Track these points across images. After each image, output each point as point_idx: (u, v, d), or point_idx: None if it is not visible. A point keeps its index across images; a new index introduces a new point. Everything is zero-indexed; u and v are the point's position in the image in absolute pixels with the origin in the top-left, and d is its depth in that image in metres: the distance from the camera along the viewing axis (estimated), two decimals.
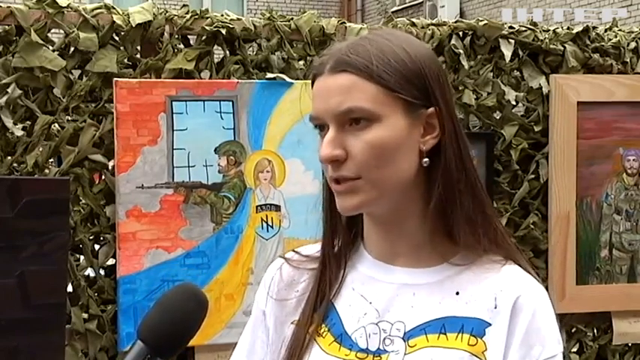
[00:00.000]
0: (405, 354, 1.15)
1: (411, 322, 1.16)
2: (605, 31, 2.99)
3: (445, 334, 1.14)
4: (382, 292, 1.19)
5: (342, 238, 1.24)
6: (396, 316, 1.17)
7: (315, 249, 1.28)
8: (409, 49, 1.15)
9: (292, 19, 2.65)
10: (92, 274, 2.52)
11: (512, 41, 2.82)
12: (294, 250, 1.32)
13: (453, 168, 1.15)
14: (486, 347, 1.13)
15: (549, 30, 2.91)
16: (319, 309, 1.22)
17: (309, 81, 1.22)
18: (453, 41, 2.77)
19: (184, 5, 2.77)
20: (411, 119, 1.14)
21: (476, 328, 1.14)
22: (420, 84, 1.14)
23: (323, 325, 1.21)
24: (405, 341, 1.15)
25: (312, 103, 1.17)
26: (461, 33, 2.80)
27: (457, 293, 1.16)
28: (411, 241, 1.19)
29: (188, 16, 2.53)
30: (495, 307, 1.14)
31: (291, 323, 1.24)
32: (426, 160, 1.15)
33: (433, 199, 1.15)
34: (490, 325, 1.13)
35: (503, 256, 1.18)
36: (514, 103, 2.83)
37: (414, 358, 1.14)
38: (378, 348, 1.16)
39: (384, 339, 1.17)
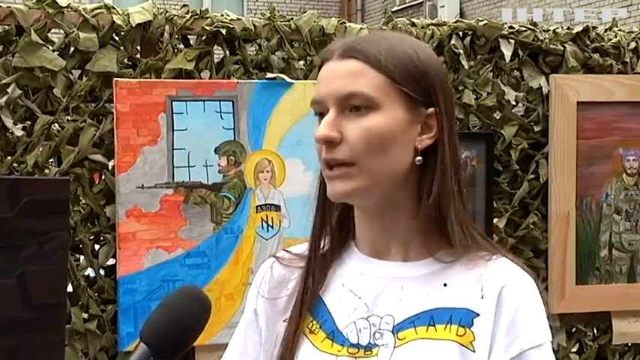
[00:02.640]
0: (394, 347, 1.15)
1: (400, 315, 1.17)
2: (605, 31, 2.99)
3: (434, 325, 1.15)
4: (371, 287, 1.20)
5: (331, 235, 1.26)
6: (385, 309, 1.18)
7: (305, 247, 1.29)
8: (418, 51, 1.18)
9: (292, 19, 2.65)
10: (92, 274, 2.52)
11: (512, 41, 2.83)
12: (285, 250, 1.33)
13: (448, 169, 1.17)
14: (474, 337, 1.13)
15: (549, 30, 2.91)
16: (308, 305, 1.22)
17: (310, 81, 1.23)
18: (453, 41, 2.77)
19: (184, 5, 2.77)
20: (411, 115, 1.16)
21: (464, 318, 1.15)
22: (424, 84, 1.16)
23: (314, 322, 1.22)
24: (394, 334, 1.16)
25: (316, 88, 1.18)
26: (461, 33, 2.80)
27: (445, 285, 1.17)
28: (400, 236, 1.20)
29: (188, 16, 2.53)
30: (482, 297, 1.15)
31: (283, 321, 1.25)
32: (419, 158, 1.16)
33: (430, 197, 1.16)
34: (478, 315, 1.14)
35: (489, 252, 1.20)
36: (514, 103, 2.83)
37: (404, 351, 1.15)
38: (369, 342, 1.17)
39: (374, 333, 1.17)
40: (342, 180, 1.15)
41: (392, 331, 1.16)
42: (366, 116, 1.14)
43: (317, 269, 1.24)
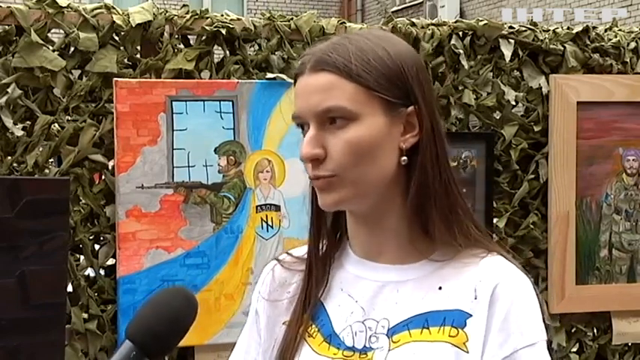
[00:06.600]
0: (389, 350, 1.15)
1: (395, 318, 1.17)
2: (605, 31, 2.99)
3: (428, 328, 1.15)
4: (367, 290, 1.20)
5: (327, 238, 1.26)
6: (381, 313, 1.18)
7: (306, 250, 1.29)
8: (389, 49, 1.16)
9: (292, 19, 2.66)
10: (92, 274, 2.52)
11: (512, 41, 2.83)
12: (286, 252, 1.33)
13: (429, 166, 1.16)
14: (467, 338, 1.13)
15: (549, 30, 2.91)
16: (309, 309, 1.23)
17: None
18: (453, 41, 2.77)
19: (184, 5, 2.77)
20: (391, 118, 1.15)
21: (457, 319, 1.14)
22: (400, 83, 1.15)
23: (313, 326, 1.22)
24: (388, 337, 1.16)
25: (295, 102, 1.18)
26: (461, 33, 2.80)
27: (440, 288, 1.17)
28: (393, 239, 1.20)
29: (188, 16, 2.53)
30: (475, 298, 1.15)
31: (283, 324, 1.26)
32: (404, 158, 1.16)
33: (409, 196, 1.16)
34: (471, 315, 1.14)
35: (484, 250, 1.19)
36: (514, 103, 2.83)
37: (398, 354, 1.15)
38: (364, 345, 1.17)
39: (370, 336, 1.18)
40: (329, 191, 1.16)
41: (387, 334, 1.17)
42: (346, 128, 1.13)
43: (317, 274, 1.24)
